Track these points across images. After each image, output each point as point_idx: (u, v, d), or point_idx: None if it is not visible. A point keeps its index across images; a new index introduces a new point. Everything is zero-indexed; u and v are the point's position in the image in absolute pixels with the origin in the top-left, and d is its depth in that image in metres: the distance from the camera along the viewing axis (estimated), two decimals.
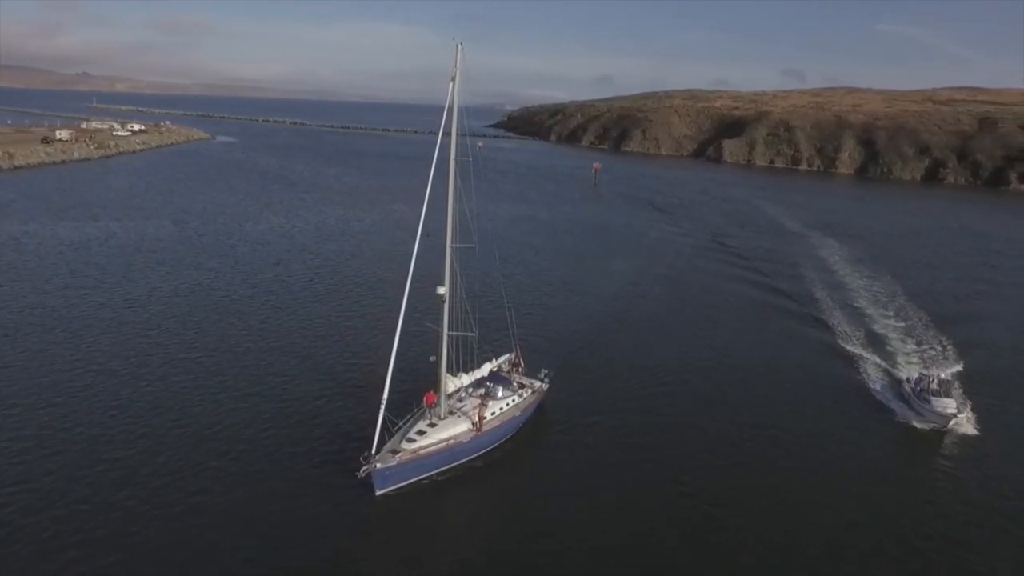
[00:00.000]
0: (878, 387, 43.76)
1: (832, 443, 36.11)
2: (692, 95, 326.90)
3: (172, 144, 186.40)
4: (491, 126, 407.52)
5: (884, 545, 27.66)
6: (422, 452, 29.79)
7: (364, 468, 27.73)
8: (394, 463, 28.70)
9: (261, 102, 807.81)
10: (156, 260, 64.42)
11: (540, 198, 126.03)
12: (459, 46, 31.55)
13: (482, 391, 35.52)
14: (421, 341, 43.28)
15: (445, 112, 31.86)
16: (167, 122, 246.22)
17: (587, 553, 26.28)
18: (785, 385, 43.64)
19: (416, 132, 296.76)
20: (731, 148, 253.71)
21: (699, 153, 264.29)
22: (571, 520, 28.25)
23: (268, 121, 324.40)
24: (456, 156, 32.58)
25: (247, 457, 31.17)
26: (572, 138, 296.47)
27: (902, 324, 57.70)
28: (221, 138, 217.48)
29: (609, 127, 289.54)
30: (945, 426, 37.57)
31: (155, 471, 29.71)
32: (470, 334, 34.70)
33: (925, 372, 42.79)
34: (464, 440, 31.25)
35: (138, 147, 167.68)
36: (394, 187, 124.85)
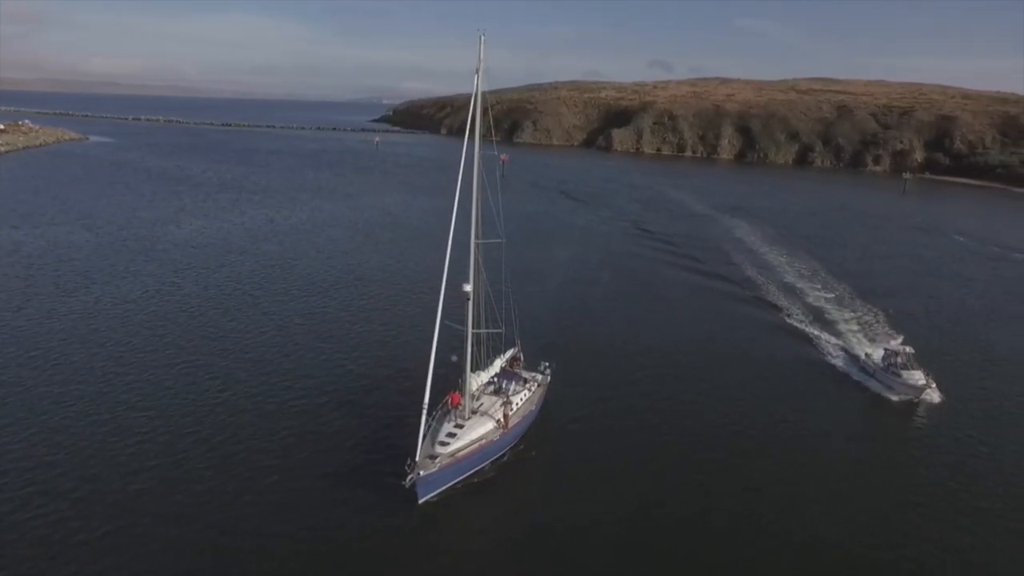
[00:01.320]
0: (842, 363, 46.41)
1: (817, 420, 37.87)
2: (577, 86, 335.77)
3: (42, 145, 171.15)
4: (376, 120, 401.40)
5: (885, 508, 29.67)
6: (459, 455, 29.08)
7: (410, 477, 26.64)
8: (435, 469, 27.68)
9: (120, 99, 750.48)
10: (86, 268, 60.02)
11: (455, 190, 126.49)
12: (482, 37, 30.68)
13: (492, 388, 35.09)
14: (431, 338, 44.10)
15: (472, 105, 31.39)
16: (27, 121, 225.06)
17: (631, 540, 26.66)
18: (757, 365, 45.49)
19: (303, 128, 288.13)
20: (620, 137, 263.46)
21: (589, 143, 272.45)
22: (604, 509, 28.43)
23: (140, 119, 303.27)
24: (480, 150, 31.68)
25: (271, 474, 29.44)
26: (463, 131, 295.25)
27: (832, 295, 63.39)
28: (96, 138, 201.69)
29: (500, 119, 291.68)
30: (918, 397, 40.40)
31: (177, 488, 28.48)
32: (497, 330, 34.11)
33: (889, 347, 44.65)
34: (494, 439, 30.89)
35: (1, 148, 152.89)
36: (309, 185, 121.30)
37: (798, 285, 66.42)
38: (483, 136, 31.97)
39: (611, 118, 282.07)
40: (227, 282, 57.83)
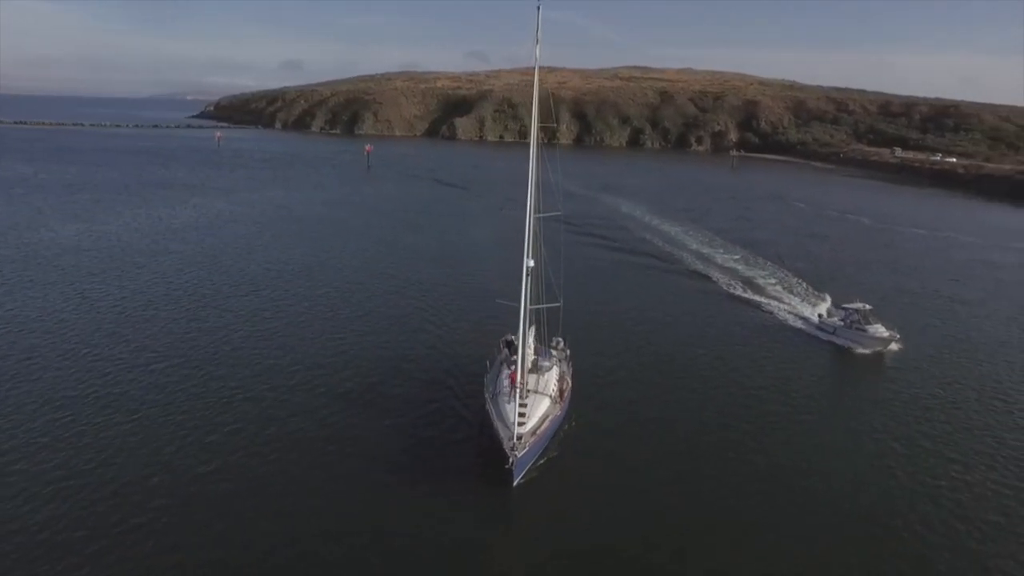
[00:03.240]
0: (803, 326, 48.99)
1: (805, 380, 39.89)
2: (412, 76, 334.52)
3: None
4: (196, 116, 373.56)
5: (892, 445, 32.26)
6: (539, 432, 28.73)
7: (511, 459, 26.14)
8: (527, 449, 27.19)
9: None
10: None
11: (332, 183, 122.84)
12: (539, 8, 30.54)
13: (518, 363, 33.54)
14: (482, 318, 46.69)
15: (536, 79, 31.14)
16: None
17: (711, 504, 27.12)
18: (724, 335, 46.88)
19: (119, 126, 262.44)
20: (464, 126, 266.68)
21: (432, 132, 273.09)
22: (665, 477, 28.88)
23: None
24: (538, 124, 31.64)
25: (352, 470, 28.25)
26: (300, 124, 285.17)
27: (737, 256, 70.47)
28: None
29: (338, 111, 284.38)
30: (885, 348, 43.64)
31: (257, 493, 27.41)
32: (555, 304, 33.50)
33: (847, 307, 46.79)
34: (556, 414, 30.79)
35: None
36: (172, 183, 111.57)
37: (704, 251, 72.67)
38: (543, 117, 31.50)
39: (451, 107, 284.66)
40: (156, 283, 53.18)
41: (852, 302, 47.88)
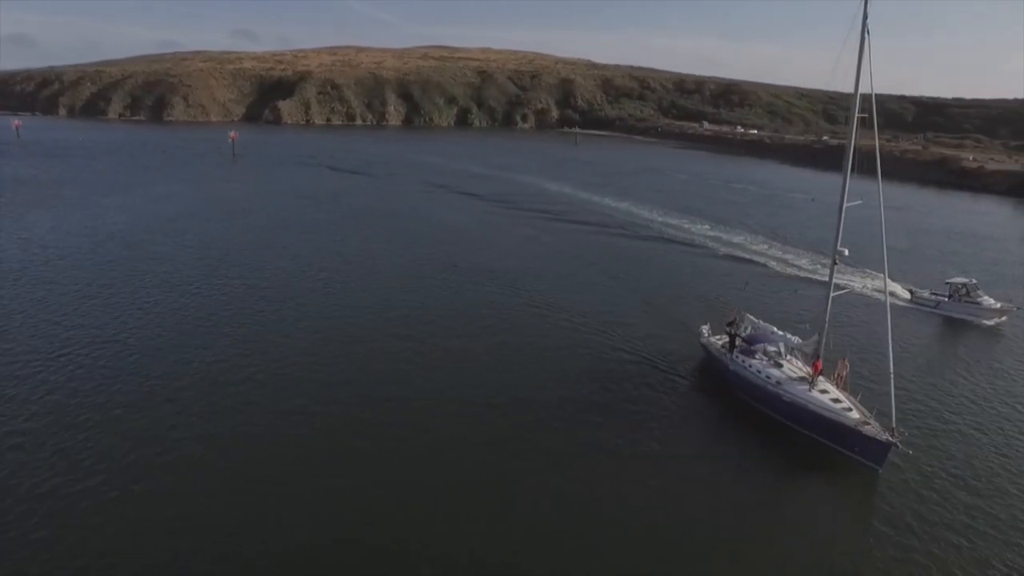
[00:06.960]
0: (911, 306, 49.70)
1: (954, 355, 41.49)
2: (213, 57, 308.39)
3: None
4: None
5: None
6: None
7: (894, 440, 26.64)
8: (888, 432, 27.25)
9: None
10: None
11: (230, 174, 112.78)
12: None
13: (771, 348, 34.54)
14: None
15: (859, 68, 29.39)
16: None
17: None
18: (851, 323, 45.20)
19: None
20: (288, 109, 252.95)
21: (252, 117, 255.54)
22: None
23: None
24: (856, 114, 30.08)
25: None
26: (92, 110, 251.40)
27: (707, 227, 78.14)
28: None
29: (139, 95, 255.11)
30: (1003, 316, 45.60)
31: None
32: (844, 291, 33.86)
33: (952, 281, 48.36)
34: (850, 397, 30.54)
35: None
36: (22, 179, 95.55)
37: (696, 228, 76.35)
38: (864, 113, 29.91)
39: (267, 90, 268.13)
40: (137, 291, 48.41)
41: (953, 277, 50.52)
